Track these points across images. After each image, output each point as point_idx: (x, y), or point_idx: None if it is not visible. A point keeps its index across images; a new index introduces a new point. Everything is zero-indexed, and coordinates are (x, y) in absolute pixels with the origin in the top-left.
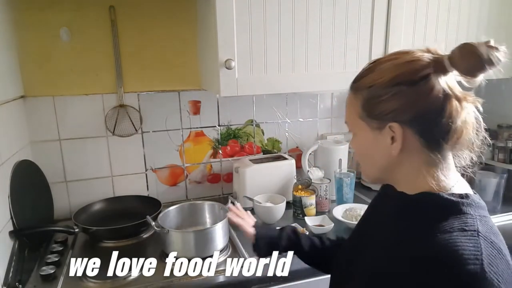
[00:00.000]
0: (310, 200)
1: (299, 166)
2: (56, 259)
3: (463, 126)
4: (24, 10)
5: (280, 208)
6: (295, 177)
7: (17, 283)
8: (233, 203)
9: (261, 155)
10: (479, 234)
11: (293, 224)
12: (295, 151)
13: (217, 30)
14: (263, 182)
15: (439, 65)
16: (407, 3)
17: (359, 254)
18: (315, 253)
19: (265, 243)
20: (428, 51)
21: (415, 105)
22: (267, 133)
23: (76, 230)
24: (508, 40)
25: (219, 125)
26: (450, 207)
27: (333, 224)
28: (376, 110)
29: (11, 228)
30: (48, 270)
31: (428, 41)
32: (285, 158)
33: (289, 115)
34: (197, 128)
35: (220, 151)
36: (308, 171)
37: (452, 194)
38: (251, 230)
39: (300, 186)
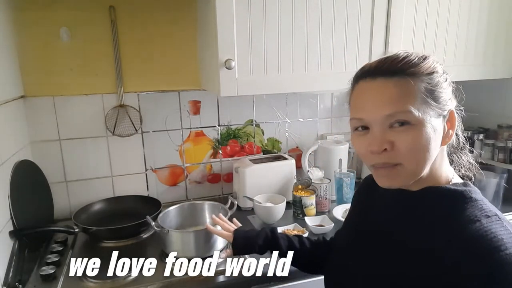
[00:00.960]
0: (310, 200)
1: (299, 166)
2: (56, 259)
3: None
4: (24, 10)
5: (280, 208)
6: (295, 177)
7: (17, 283)
8: (233, 203)
9: (261, 155)
10: (499, 216)
11: (293, 224)
12: (295, 151)
13: (217, 30)
14: (263, 182)
15: None
16: (407, 3)
17: (359, 257)
18: (295, 254)
19: (242, 241)
20: None
21: (452, 94)
22: (267, 133)
23: (76, 230)
24: (508, 40)
25: (219, 125)
26: (460, 197)
27: (333, 224)
28: (441, 95)
29: (11, 228)
30: (48, 270)
31: (428, 41)
32: (285, 158)
33: (289, 115)
34: (197, 128)
35: (220, 151)
36: (308, 171)
37: (455, 184)
38: (229, 233)
39: (300, 186)
